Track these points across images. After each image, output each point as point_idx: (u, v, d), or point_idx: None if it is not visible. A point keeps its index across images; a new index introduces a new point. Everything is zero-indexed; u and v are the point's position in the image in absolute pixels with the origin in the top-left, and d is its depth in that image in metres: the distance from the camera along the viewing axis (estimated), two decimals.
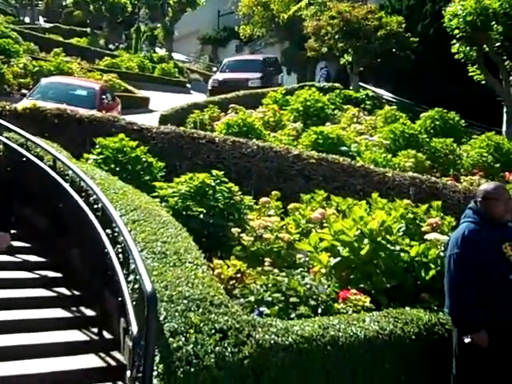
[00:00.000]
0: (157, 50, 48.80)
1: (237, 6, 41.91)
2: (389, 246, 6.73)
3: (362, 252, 6.64)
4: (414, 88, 26.33)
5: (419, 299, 6.34)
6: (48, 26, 54.97)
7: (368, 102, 24.02)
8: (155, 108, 25.68)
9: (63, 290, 7.04)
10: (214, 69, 44.44)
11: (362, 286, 6.43)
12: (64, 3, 63.59)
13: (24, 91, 17.95)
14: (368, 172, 11.07)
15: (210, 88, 28.02)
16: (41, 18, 63.52)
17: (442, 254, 6.54)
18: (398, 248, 6.77)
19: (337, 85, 26.86)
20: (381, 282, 6.48)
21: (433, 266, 6.58)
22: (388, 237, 6.83)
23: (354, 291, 6.23)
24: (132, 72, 35.24)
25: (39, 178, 8.38)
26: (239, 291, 6.19)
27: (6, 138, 9.37)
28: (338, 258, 6.69)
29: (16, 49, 29.28)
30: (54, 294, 6.95)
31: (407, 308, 6.02)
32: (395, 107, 21.42)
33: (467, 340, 5.16)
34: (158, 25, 48.13)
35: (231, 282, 6.45)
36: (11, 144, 9.14)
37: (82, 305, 6.74)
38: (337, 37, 27.94)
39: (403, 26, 27.34)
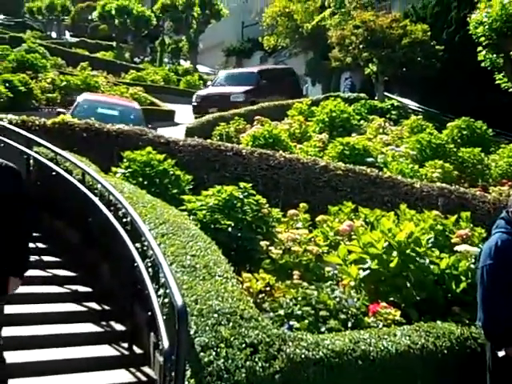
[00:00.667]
0: (181, 62, 49.10)
1: (261, 17, 42.03)
2: (418, 258, 6.68)
3: (391, 264, 6.59)
4: (440, 97, 26.13)
5: (450, 312, 6.28)
6: (74, 40, 55.61)
7: (394, 112, 23.89)
8: (181, 121, 25.78)
9: (93, 305, 7.08)
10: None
11: (391, 299, 6.39)
12: (90, 18, 64.30)
13: (61, 109, 18.06)
14: (396, 183, 11.02)
15: (193, 104, 26.05)
16: (67, 32, 64.26)
17: (472, 265, 6.48)
18: (427, 260, 6.71)
19: (362, 95, 26.76)
20: (411, 294, 6.43)
21: (464, 278, 6.52)
22: (417, 249, 6.78)
23: (384, 304, 6.19)
24: (157, 85, 35.49)
25: (69, 192, 8.46)
26: (269, 305, 6.18)
27: (36, 152, 9.48)
28: (367, 271, 6.65)
29: (43, 64, 29.66)
30: (84, 309, 6.99)
31: (438, 322, 5.95)
32: (421, 117, 21.28)
33: (501, 354, 5.08)
34: (183, 37, 48.41)
35: (260, 296, 6.45)
36: (41, 158, 9.25)
37: (112, 319, 6.78)
38: (361, 46, 27.84)
39: (428, 34, 27.14)
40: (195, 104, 25.55)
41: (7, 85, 23.19)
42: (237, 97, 24.55)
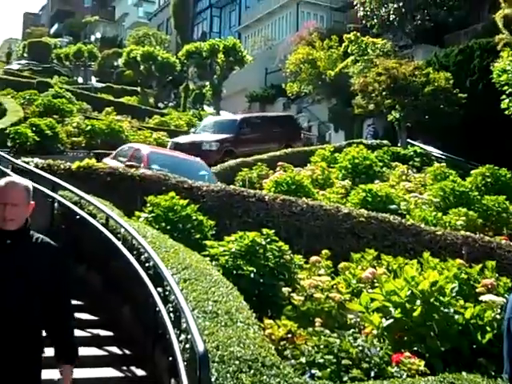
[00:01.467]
0: (205, 107, 49.61)
1: (284, 64, 42.50)
2: (442, 307, 6.61)
3: (415, 313, 6.52)
4: (463, 144, 26.09)
5: (476, 364, 6.17)
6: (100, 85, 56.50)
7: (417, 159, 23.85)
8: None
9: (114, 349, 7.06)
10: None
11: (415, 348, 6.31)
12: (115, 64, 65.46)
13: (132, 163, 18.42)
14: (419, 230, 10.95)
15: None
16: (93, 78, 65.36)
17: (498, 316, 6.39)
18: (451, 310, 6.63)
19: (385, 142, 26.80)
20: (435, 345, 6.34)
21: (489, 328, 6.42)
22: (441, 298, 6.71)
23: (408, 354, 6.10)
24: (181, 130, 35.85)
25: (92, 236, 8.51)
26: (290, 352, 6.13)
27: (61, 195, 9.58)
28: (391, 320, 6.58)
29: (70, 108, 30.18)
30: (105, 353, 6.98)
31: (464, 373, 5.83)
32: (444, 164, 21.25)
33: None
34: (207, 83, 48.97)
35: (282, 343, 6.39)
36: (66, 202, 9.34)
37: (132, 364, 6.75)
38: (384, 93, 27.97)
39: (451, 82, 27.23)
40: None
41: (34, 129, 23.58)
42: (209, 145, 22.46)
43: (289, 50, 43.65)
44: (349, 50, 37.11)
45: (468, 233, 11.72)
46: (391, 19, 36.90)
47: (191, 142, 22.57)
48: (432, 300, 6.63)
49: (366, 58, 34.81)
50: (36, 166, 11.49)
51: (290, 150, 23.71)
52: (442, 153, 27.26)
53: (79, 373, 6.31)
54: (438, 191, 16.28)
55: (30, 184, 4.08)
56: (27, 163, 11.56)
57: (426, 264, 8.27)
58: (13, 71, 53.26)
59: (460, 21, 34.42)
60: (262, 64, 49.96)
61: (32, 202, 4.02)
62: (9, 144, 22.21)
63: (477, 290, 7.35)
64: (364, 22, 39.07)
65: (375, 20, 37.77)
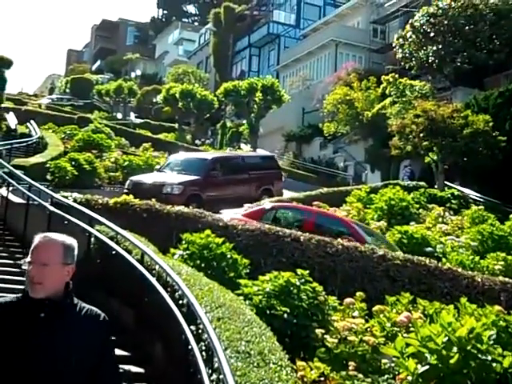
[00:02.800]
0: (242, 145, 49.95)
1: (321, 104, 42.71)
2: (480, 355, 6.45)
3: (451, 361, 6.38)
4: (501, 187, 25.80)
5: None
6: (138, 121, 57.34)
7: (454, 202, 23.63)
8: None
9: None
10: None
11: None
12: (154, 100, 66.46)
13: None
14: (456, 275, 10.78)
15: (124, 192, 18.25)
16: (132, 114, 66.38)
17: None
18: (489, 358, 6.47)
19: (421, 183, 26.64)
20: None
21: None
22: (478, 345, 6.55)
23: None
24: None
25: (127, 271, 8.55)
26: None
27: (98, 230, 9.67)
28: (426, 366, 6.44)
29: (108, 144, 30.64)
30: None
31: None
32: (482, 207, 21.00)
33: None
34: (244, 121, 49.39)
35: None
36: (102, 237, 9.42)
37: None
38: (421, 135, 27.87)
39: (490, 124, 27.08)
40: (126, 192, 17.70)
41: (73, 163, 23.98)
42: (171, 189, 18.74)
43: (327, 90, 43.91)
44: (386, 92, 37.20)
45: (507, 279, 11.51)
46: (430, 61, 36.94)
47: (153, 184, 19.09)
48: (469, 347, 6.48)
49: (404, 99, 34.82)
50: (74, 200, 11.66)
51: (325, 189, 23.67)
52: (479, 195, 26.97)
53: None
54: (476, 235, 16.07)
55: (72, 242, 3.47)
56: (66, 197, 11.73)
57: (463, 310, 8.11)
58: (47, 105, 54.29)
59: (500, 64, 34.31)
60: (300, 103, 50.27)
61: (72, 265, 3.40)
62: (48, 177, 22.60)
63: None
64: (402, 63, 39.17)
65: (414, 62, 37.84)
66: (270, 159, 26.37)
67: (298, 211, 16.05)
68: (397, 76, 37.30)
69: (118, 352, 7.81)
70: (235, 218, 13.79)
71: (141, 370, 7.43)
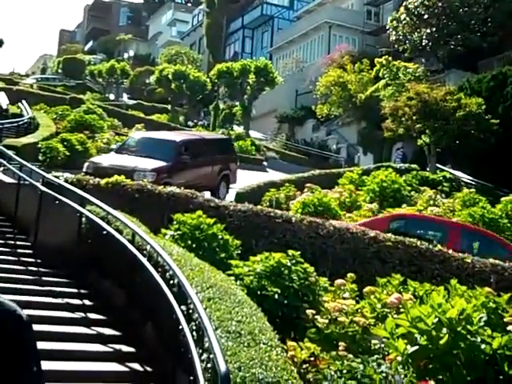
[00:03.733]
0: (234, 127, 49.83)
1: (315, 86, 42.61)
2: (469, 336, 6.47)
3: (441, 341, 6.40)
4: (493, 171, 25.87)
5: None
6: (131, 102, 57.11)
7: (445, 184, 23.64)
8: (231, 185, 25.98)
9: (136, 366, 7.04)
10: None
11: (440, 377, 6.18)
12: (147, 81, 66.15)
13: None
14: (446, 257, 10.81)
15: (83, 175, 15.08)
16: (125, 95, 66.11)
17: None
18: (478, 339, 6.49)
19: (414, 166, 26.65)
20: (461, 374, 6.21)
21: None
22: (468, 327, 6.57)
23: (433, 383, 5.99)
24: None
25: (117, 252, 8.53)
26: (312, 376, 6.06)
27: (89, 210, 9.64)
28: (416, 347, 6.46)
29: (101, 124, 30.53)
30: (127, 369, 6.96)
31: None
32: (474, 190, 21.05)
33: None
34: (237, 103, 49.25)
35: (304, 366, 6.33)
36: (93, 217, 9.39)
37: (153, 381, 6.72)
38: (414, 118, 27.88)
39: (483, 107, 27.08)
40: (84, 174, 15.60)
41: (65, 143, 23.90)
42: (143, 175, 16.34)
43: (320, 73, 43.78)
44: (380, 74, 37.11)
45: (497, 261, 11.55)
46: (424, 44, 36.85)
47: (120, 168, 16.08)
48: (459, 328, 6.50)
49: (397, 82, 34.76)
50: (66, 180, 11.61)
51: (318, 171, 23.66)
52: (471, 179, 27.04)
53: None
54: (467, 217, 16.12)
55: None
56: (57, 177, 11.68)
57: (453, 291, 8.12)
58: (39, 86, 53.91)
59: (493, 47, 34.26)
60: (293, 85, 50.14)
61: None
62: (40, 158, 22.51)
63: (505, 320, 7.19)
64: (396, 46, 39.06)
65: (407, 44, 37.76)
66: (227, 141, 24.84)
67: (434, 223, 14.16)
68: (390, 58, 37.20)
69: (109, 331, 7.84)
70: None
71: (132, 350, 7.43)
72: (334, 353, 6.58)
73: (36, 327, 7.09)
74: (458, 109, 27.01)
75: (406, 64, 36.50)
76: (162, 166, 17.59)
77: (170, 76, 51.19)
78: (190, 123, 50.89)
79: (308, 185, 18.82)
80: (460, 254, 11.02)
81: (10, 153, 14.59)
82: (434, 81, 33.76)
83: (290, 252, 8.25)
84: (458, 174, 27.48)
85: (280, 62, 54.97)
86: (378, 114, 31.99)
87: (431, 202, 19.28)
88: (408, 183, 21.15)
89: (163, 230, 9.75)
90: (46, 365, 6.33)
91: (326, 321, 7.33)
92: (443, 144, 27.71)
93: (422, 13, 36.44)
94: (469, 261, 10.68)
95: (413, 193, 20.45)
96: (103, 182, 11.90)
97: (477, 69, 33.75)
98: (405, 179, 21.38)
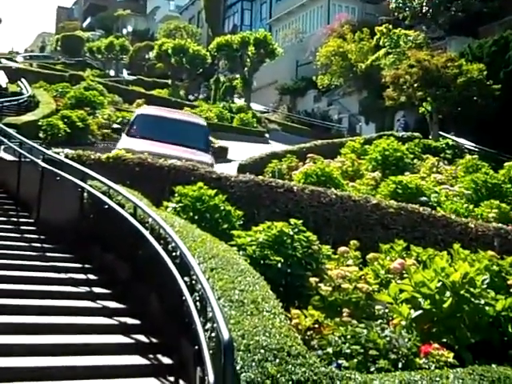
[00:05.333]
0: (235, 100, 49.64)
1: (315, 56, 42.35)
2: (473, 299, 6.49)
3: (445, 305, 6.42)
4: (496, 137, 25.70)
5: (506, 356, 6.05)
6: (131, 78, 56.90)
7: (448, 152, 23.57)
8: (234, 158, 25.93)
9: (141, 337, 7.07)
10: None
11: (444, 340, 6.20)
12: (147, 57, 65.80)
13: None
14: (449, 222, 10.79)
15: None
16: (125, 71, 65.83)
17: None
18: (482, 301, 6.51)
19: (416, 134, 26.54)
20: (465, 336, 6.24)
21: None
22: (471, 289, 6.59)
23: (437, 346, 6.01)
24: (211, 122, 35.79)
25: (120, 225, 8.53)
26: (317, 342, 6.07)
27: (90, 185, 9.62)
28: (420, 311, 6.48)
29: (101, 101, 30.43)
30: (132, 341, 6.99)
31: (493, 365, 5.72)
32: (477, 156, 20.95)
33: None
34: (237, 76, 49.00)
35: (309, 333, 6.34)
36: (94, 192, 9.38)
37: (159, 352, 6.75)
38: (416, 85, 27.67)
39: (484, 73, 26.84)
40: None
41: (66, 120, 23.84)
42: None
43: (320, 43, 43.47)
44: (380, 43, 36.84)
45: (500, 225, 11.52)
46: (424, 11, 36.48)
47: (171, 156, 12.87)
48: (463, 292, 6.52)
49: (398, 50, 34.50)
50: (66, 156, 11.58)
51: (319, 141, 23.58)
52: (474, 145, 26.90)
53: (106, 360, 6.36)
54: (470, 183, 16.05)
55: None
56: (58, 154, 11.65)
57: (456, 255, 8.13)
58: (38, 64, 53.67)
59: (494, 12, 33.91)
60: (293, 56, 49.85)
61: None
62: (41, 135, 22.48)
63: (508, 282, 7.21)
64: (396, 13, 38.70)
65: (407, 12, 37.39)
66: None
67: None
68: (390, 27, 36.91)
69: (113, 305, 7.87)
70: None
71: (137, 322, 7.46)
72: (338, 319, 6.59)
73: (41, 302, 7.14)
74: (459, 75, 26.78)
75: (406, 32, 36.20)
76: (212, 159, 15.11)
77: (169, 51, 50.91)
78: (190, 97, 50.75)
79: (310, 155, 18.73)
80: (463, 219, 11.00)
81: (11, 131, 14.55)
82: (435, 48, 33.48)
83: (292, 221, 8.23)
84: (461, 140, 27.34)
85: (279, 34, 54.60)
86: (379, 83, 31.76)
87: (434, 170, 19.23)
88: (410, 151, 21.06)
89: (165, 203, 9.73)
90: (51, 339, 6.40)
91: (330, 288, 7.33)
92: (445, 111, 27.54)
93: None
94: (472, 225, 10.66)
95: (415, 161, 20.39)
96: (104, 156, 11.87)
97: (478, 34, 33.42)
98: (407, 147, 21.28)
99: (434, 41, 36.29)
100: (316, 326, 6.45)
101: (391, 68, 31.46)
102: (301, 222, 8.30)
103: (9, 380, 5.64)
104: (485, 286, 6.87)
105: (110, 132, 25.86)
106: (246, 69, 46.29)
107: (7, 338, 6.38)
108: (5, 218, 11.05)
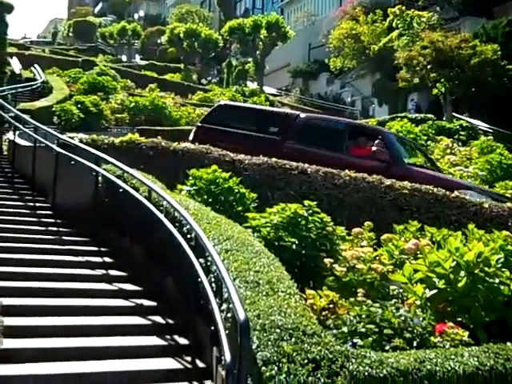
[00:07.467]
0: (248, 83, 49.51)
1: (327, 39, 42.14)
2: (487, 278, 6.50)
3: (459, 284, 6.44)
4: (511, 117, 25.54)
5: None
6: (144, 63, 56.79)
7: (462, 133, 23.44)
8: None
9: (158, 319, 7.14)
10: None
11: (459, 319, 6.23)
12: (159, 41, 65.70)
13: None
14: (464, 203, 10.76)
15: None
16: (137, 56, 65.78)
17: None
18: (497, 281, 6.52)
19: (429, 116, 26.41)
20: (479, 315, 6.26)
21: None
22: (486, 269, 6.60)
23: (451, 325, 6.03)
24: None
25: (135, 208, 8.59)
26: (332, 322, 6.12)
27: (105, 169, 9.69)
28: (434, 290, 6.50)
29: (114, 86, 30.47)
30: (149, 322, 7.06)
31: (508, 344, 5.73)
32: (491, 137, 20.84)
33: None
34: (249, 59, 48.90)
35: (324, 313, 6.38)
36: (109, 175, 9.43)
37: (175, 333, 6.81)
38: (429, 67, 27.53)
39: (498, 53, 26.64)
40: None
41: (79, 106, 23.92)
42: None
43: (332, 25, 43.24)
44: (393, 24, 36.57)
45: None
46: None
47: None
48: (477, 271, 6.53)
49: (411, 31, 34.25)
50: (80, 141, 11.66)
51: None
52: (488, 126, 26.73)
53: (123, 341, 6.43)
54: (485, 164, 16.01)
55: None
56: (72, 138, 11.73)
57: (470, 235, 8.14)
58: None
59: None
60: (306, 39, 49.64)
61: None
62: (55, 121, 22.57)
63: None
64: None
65: None
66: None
67: None
68: (404, 8, 36.60)
69: (130, 287, 7.94)
70: None
71: (153, 304, 7.53)
72: (352, 299, 6.63)
73: (58, 285, 7.22)
74: (473, 56, 26.60)
75: (419, 13, 35.89)
76: None
77: (181, 35, 50.87)
78: (203, 81, 50.68)
79: None
80: (477, 200, 10.97)
81: (25, 116, 14.63)
82: (448, 29, 33.18)
83: (307, 202, 8.24)
84: (475, 122, 27.17)
85: (292, 17, 54.30)
86: (392, 64, 31.61)
87: (448, 151, 19.17)
88: (424, 133, 21.02)
89: (179, 186, 9.78)
90: (68, 320, 6.48)
91: (344, 269, 7.36)
92: (459, 92, 27.38)
93: None
94: (486, 206, 10.63)
95: (429, 142, 20.33)
96: (117, 140, 11.93)
97: (492, 15, 33.10)
98: (421, 129, 21.24)
99: (447, 22, 35.95)
100: (331, 306, 6.49)
101: (404, 50, 31.24)
102: (315, 203, 8.32)
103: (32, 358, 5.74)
104: (499, 266, 6.87)
105: (123, 116, 25.95)
106: (258, 52, 46.19)
107: (28, 319, 6.47)
108: (22, 203, 11.16)
